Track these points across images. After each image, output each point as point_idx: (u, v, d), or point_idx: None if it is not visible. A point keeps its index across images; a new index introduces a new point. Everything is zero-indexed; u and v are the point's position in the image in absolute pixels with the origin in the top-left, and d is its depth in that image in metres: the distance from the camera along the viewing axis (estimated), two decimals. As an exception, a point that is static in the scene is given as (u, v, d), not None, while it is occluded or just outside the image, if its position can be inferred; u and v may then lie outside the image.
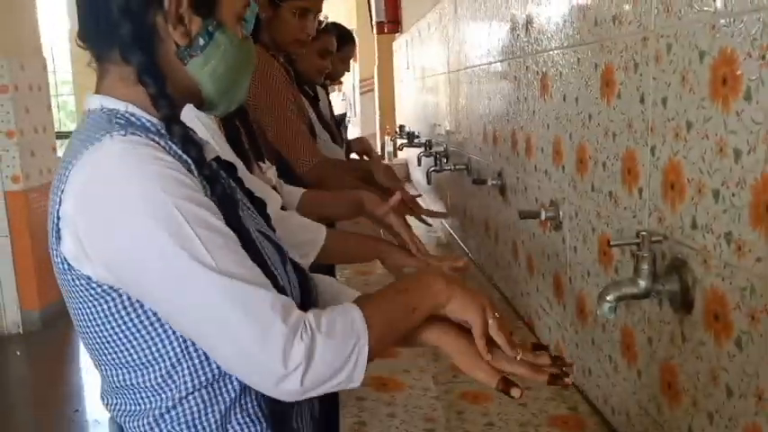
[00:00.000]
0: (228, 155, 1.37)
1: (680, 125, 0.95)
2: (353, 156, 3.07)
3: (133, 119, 0.87)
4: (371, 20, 5.27)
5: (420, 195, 2.95)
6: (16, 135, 4.80)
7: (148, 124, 0.87)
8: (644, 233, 0.97)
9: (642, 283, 0.98)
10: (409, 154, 4.06)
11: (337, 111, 3.71)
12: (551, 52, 1.46)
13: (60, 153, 4.76)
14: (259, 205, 1.05)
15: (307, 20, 2.12)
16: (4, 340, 4.83)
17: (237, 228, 0.86)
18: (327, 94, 3.41)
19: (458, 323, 0.95)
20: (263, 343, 0.80)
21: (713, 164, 0.87)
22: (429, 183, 2.92)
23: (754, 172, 0.79)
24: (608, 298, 1.00)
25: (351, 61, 3.44)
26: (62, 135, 6.36)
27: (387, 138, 5.44)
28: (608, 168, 1.19)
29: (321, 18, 2.42)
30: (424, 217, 1.87)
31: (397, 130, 4.35)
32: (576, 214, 1.36)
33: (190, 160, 0.87)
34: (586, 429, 1.26)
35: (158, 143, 0.84)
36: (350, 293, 1.08)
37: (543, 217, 1.48)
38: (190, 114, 1.02)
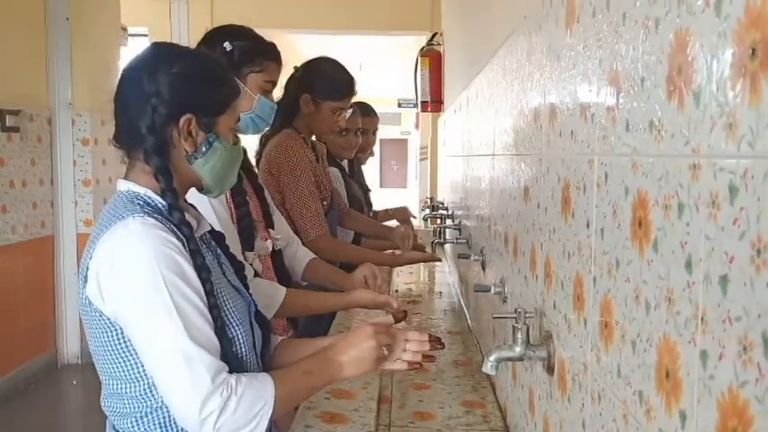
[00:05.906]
0: (228, 226, 1.71)
1: (611, 261, 0.87)
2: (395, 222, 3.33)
3: (149, 200, 1.19)
4: (417, 98, 5.30)
5: (440, 260, 2.92)
6: (92, 184, 5.04)
7: (160, 206, 1.19)
8: (519, 310, 1.19)
9: (517, 349, 1.20)
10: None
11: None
12: (522, 156, 1.41)
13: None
14: (238, 266, 1.34)
15: (340, 116, 2.41)
16: (64, 370, 4.92)
17: (210, 291, 1.15)
18: (358, 167, 3.43)
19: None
20: (191, 392, 1.08)
21: (632, 311, 0.79)
22: (434, 252, 2.95)
23: (658, 331, 0.71)
24: (490, 358, 1.22)
25: (374, 134, 3.46)
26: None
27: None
28: (565, 288, 1.12)
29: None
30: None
31: (428, 200, 4.34)
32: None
33: (183, 238, 1.15)
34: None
35: (164, 225, 1.13)
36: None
37: (492, 291, 1.74)
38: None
